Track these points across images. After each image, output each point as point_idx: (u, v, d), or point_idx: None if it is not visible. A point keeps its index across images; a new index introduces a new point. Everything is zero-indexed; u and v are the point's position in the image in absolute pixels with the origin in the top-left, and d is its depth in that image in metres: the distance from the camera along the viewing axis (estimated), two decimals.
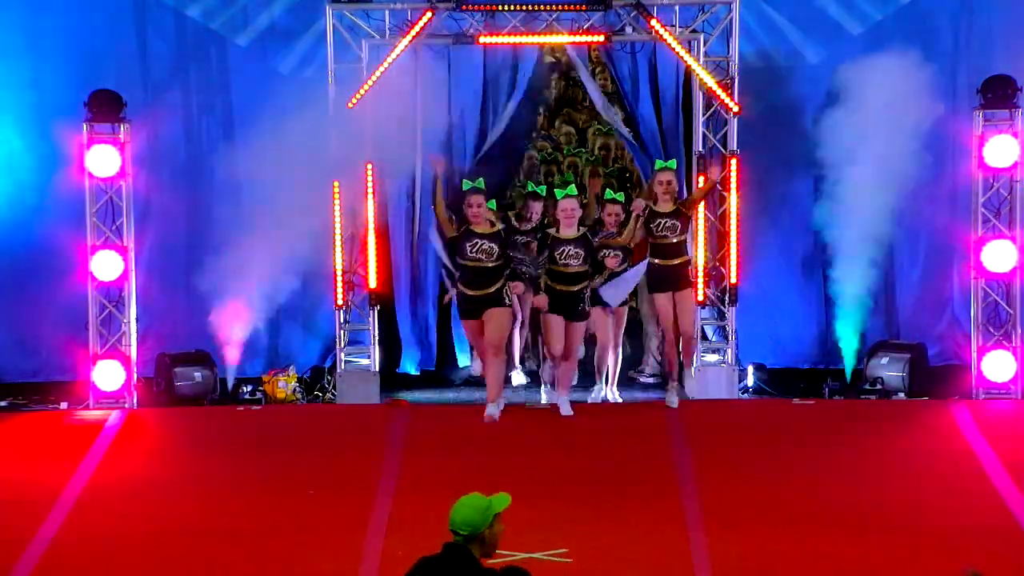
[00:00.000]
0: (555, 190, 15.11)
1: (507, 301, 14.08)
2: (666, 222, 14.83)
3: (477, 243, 13.61)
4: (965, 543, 10.58)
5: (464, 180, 14.87)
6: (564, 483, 12.65)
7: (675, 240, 14.84)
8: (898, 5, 15.54)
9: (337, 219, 15.22)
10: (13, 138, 15.60)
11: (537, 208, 15.28)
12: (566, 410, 14.25)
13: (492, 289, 13.67)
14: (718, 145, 15.32)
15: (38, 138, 15.53)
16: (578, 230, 13.78)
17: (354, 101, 14.82)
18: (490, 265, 13.56)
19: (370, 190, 15.22)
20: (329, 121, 14.90)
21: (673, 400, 14.55)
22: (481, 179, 14.65)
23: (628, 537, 11.54)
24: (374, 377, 15.67)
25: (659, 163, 15.21)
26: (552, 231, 14.61)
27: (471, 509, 7.62)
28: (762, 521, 11.83)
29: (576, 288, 13.81)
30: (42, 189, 15.60)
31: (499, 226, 13.98)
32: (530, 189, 15.63)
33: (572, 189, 14.16)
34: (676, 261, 15.00)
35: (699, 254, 15.57)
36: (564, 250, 13.52)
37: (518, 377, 15.59)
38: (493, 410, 14.19)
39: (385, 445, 13.54)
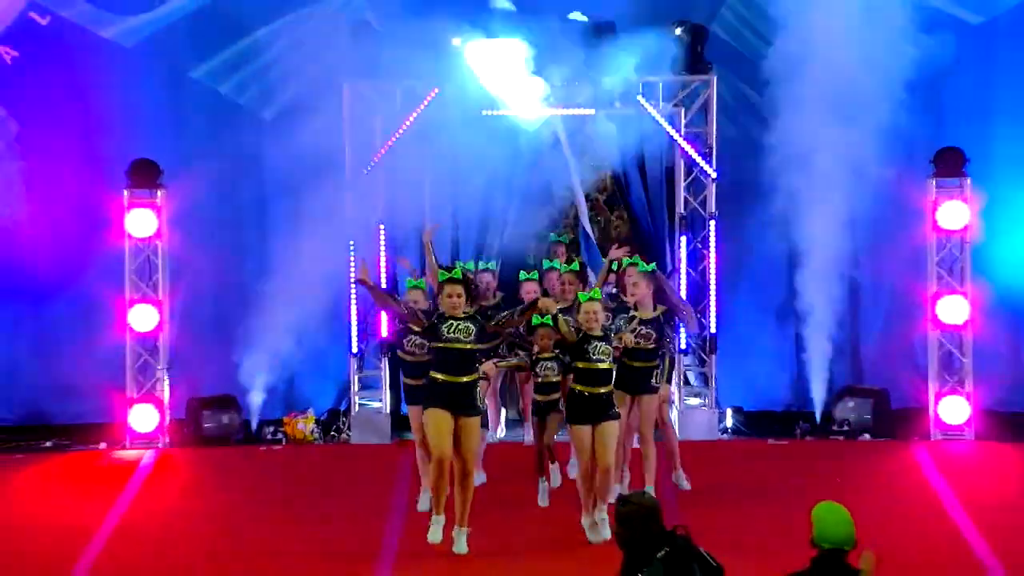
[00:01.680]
0: (578, 295, 13.11)
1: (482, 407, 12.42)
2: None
3: (453, 324, 12.01)
4: (926, 572, 10.49)
5: (443, 271, 12.93)
6: (556, 517, 12.17)
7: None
8: (857, 81, 15.30)
9: (352, 275, 15.06)
10: (62, 202, 15.55)
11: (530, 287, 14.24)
12: (605, 533, 11.77)
13: (466, 378, 11.92)
14: (699, 208, 15.24)
15: (83, 202, 15.50)
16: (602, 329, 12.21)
17: (369, 168, 14.82)
18: (468, 347, 11.91)
19: (382, 249, 15.15)
20: (345, 186, 14.88)
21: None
22: (467, 263, 14.25)
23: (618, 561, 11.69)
24: (386, 419, 15.52)
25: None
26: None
27: (844, 522, 7.54)
28: (739, 550, 11.29)
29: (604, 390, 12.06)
30: (86, 248, 15.58)
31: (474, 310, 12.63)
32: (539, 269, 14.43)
33: (597, 292, 12.50)
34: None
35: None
36: (595, 346, 11.91)
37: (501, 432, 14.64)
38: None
39: (395, 481, 13.37)
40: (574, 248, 16.59)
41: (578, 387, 11.69)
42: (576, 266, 13.66)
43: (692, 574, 7.63)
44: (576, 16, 15.84)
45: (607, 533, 11.52)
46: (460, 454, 11.52)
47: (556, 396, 12.31)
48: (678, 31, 15.40)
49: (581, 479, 11.82)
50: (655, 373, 13.06)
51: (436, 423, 11.63)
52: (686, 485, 13.13)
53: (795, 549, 10.99)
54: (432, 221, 15.28)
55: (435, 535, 11.27)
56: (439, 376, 11.74)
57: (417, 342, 12.50)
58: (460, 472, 11.53)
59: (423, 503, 12.61)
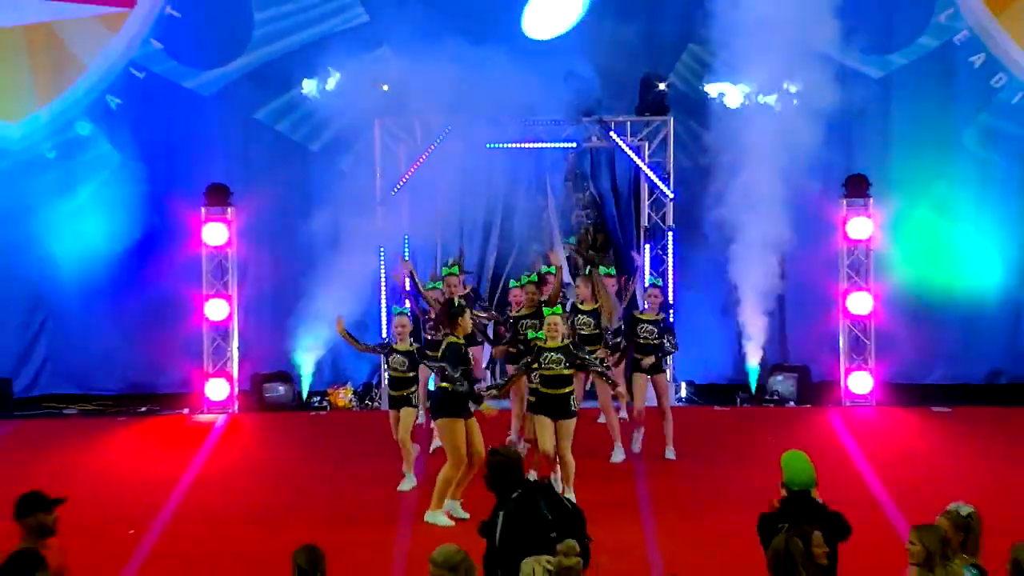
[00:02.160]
0: (543, 309, 13.09)
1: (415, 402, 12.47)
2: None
3: (396, 356, 12.24)
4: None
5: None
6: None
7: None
8: (784, 121, 15.10)
9: (382, 274, 15.28)
10: (153, 217, 15.79)
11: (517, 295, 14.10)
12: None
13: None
14: (659, 222, 15.46)
15: (170, 217, 15.74)
16: (562, 340, 11.95)
17: (396, 189, 14.99)
18: (410, 375, 12.28)
19: (406, 253, 15.14)
20: (376, 203, 15.13)
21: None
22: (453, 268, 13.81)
23: (595, 514, 12.03)
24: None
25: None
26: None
27: (807, 467, 7.97)
28: (695, 500, 12.07)
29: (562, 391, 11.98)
30: (172, 254, 15.76)
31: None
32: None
33: (559, 308, 12.45)
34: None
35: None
36: (547, 356, 11.76)
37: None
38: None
39: (415, 440, 13.28)
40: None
41: (541, 388, 11.67)
42: (535, 277, 13.54)
43: (539, 508, 8.17)
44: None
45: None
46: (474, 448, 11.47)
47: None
48: (643, 81, 15.56)
49: (539, 462, 11.86)
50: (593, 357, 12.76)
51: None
52: (671, 456, 13.08)
53: (736, 501, 11.17)
54: (444, 232, 15.66)
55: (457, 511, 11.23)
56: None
57: (399, 359, 12.28)
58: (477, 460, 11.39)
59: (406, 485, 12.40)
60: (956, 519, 7.77)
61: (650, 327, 13.15)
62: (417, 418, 13.11)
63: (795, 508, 7.93)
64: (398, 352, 12.21)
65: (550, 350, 11.55)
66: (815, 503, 8.03)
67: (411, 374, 12.36)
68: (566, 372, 11.70)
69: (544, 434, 11.68)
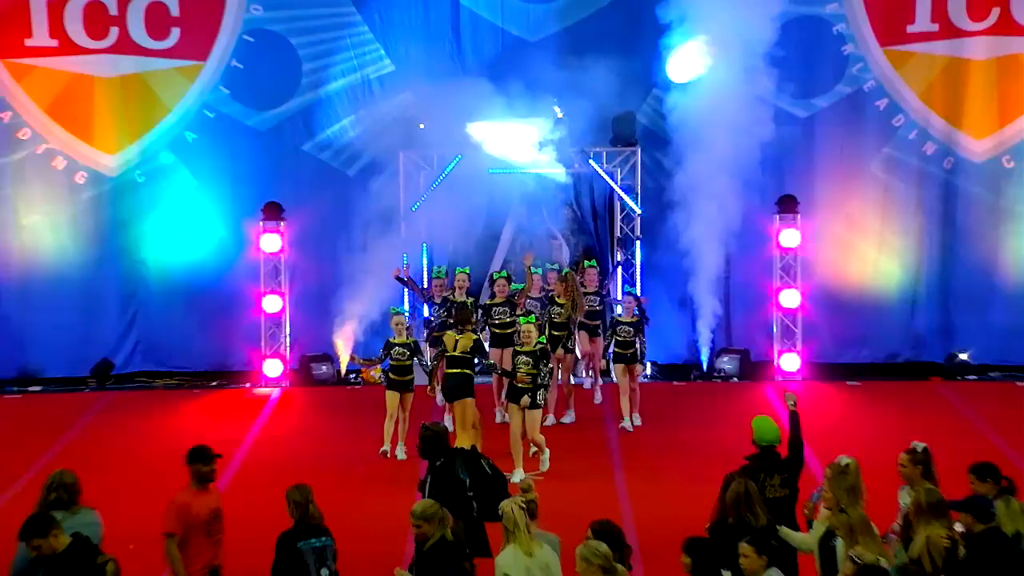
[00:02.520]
0: (520, 319, 13.06)
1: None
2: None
3: (396, 348, 12.23)
4: None
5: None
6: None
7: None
8: (729, 151, 15.06)
9: (404, 276, 15.24)
10: (221, 229, 16.00)
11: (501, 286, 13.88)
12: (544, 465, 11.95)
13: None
14: (629, 233, 15.75)
15: (234, 230, 15.99)
16: (534, 345, 11.90)
17: (416, 207, 15.31)
18: (407, 364, 12.25)
19: (424, 259, 15.56)
20: (400, 218, 15.48)
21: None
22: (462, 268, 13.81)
23: (576, 472, 11.97)
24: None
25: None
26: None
27: (773, 428, 8.37)
28: (660, 457, 12.39)
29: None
30: (237, 258, 16.05)
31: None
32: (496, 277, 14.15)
33: (532, 318, 12.50)
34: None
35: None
36: (519, 358, 11.82)
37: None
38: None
39: (432, 413, 13.35)
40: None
41: (515, 383, 11.79)
42: (504, 273, 13.68)
43: (455, 471, 8.61)
44: (556, 110, 15.58)
45: (545, 465, 11.73)
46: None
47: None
48: (615, 119, 15.79)
49: (512, 439, 11.75)
50: (570, 336, 13.38)
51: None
52: (636, 424, 13.15)
53: (694, 457, 11.89)
54: (456, 240, 15.71)
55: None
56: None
57: (400, 351, 12.27)
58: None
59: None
60: (915, 454, 8.24)
61: (627, 328, 13.37)
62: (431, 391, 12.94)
63: (764, 459, 8.41)
64: (398, 345, 12.30)
65: (524, 353, 11.76)
66: (778, 455, 8.49)
67: (409, 363, 12.39)
68: (533, 372, 11.72)
69: (514, 420, 11.86)
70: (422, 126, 15.57)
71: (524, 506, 7.66)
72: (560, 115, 15.67)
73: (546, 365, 12.11)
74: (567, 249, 15.92)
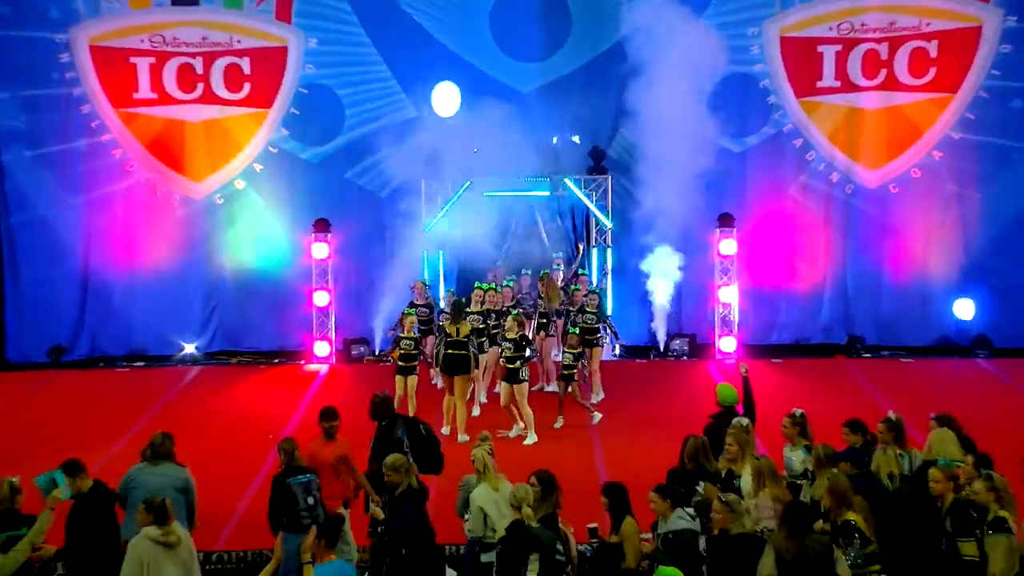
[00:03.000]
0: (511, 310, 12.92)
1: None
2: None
3: (405, 341, 12.07)
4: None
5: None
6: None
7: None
8: (681, 178, 14.93)
9: (425, 274, 15.44)
10: (281, 240, 16.13)
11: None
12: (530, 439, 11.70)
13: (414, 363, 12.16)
14: (602, 243, 15.91)
15: (292, 240, 16.07)
16: (515, 334, 11.78)
17: (434, 221, 15.48)
18: (414, 353, 12.12)
19: (441, 264, 15.91)
20: (422, 230, 15.57)
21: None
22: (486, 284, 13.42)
23: (559, 437, 12.08)
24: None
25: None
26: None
27: (732, 393, 8.74)
28: (628, 419, 12.47)
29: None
30: (293, 262, 16.13)
31: (417, 335, 12.40)
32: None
33: (514, 312, 12.44)
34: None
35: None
36: (505, 344, 11.73)
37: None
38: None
39: (432, 392, 13.23)
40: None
41: (503, 363, 11.86)
42: (492, 285, 13.39)
43: (395, 429, 8.61)
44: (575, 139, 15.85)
45: (531, 439, 11.55)
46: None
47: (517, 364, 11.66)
48: (591, 152, 15.98)
49: (503, 405, 11.74)
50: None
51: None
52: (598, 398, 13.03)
53: (653, 424, 11.90)
54: (466, 248, 15.48)
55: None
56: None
57: (407, 343, 12.13)
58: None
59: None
60: (795, 418, 8.56)
61: (590, 316, 13.26)
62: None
63: (726, 415, 8.75)
64: (405, 339, 12.19)
65: (508, 340, 11.80)
66: (736, 412, 8.92)
67: (415, 352, 12.28)
68: (515, 355, 11.66)
69: (504, 394, 11.83)
70: (476, 150, 15.23)
71: (490, 452, 7.89)
72: (555, 141, 15.59)
73: (531, 347, 12.12)
74: (563, 267, 15.58)
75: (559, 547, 6.85)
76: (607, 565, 7.01)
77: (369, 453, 8.59)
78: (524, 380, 11.80)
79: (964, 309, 16.13)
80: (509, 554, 6.80)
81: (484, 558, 7.58)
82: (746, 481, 7.61)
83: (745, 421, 8.54)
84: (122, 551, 6.98)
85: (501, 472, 7.88)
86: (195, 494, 7.82)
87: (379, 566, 7.46)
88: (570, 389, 12.25)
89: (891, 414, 8.51)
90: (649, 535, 7.27)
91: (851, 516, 6.76)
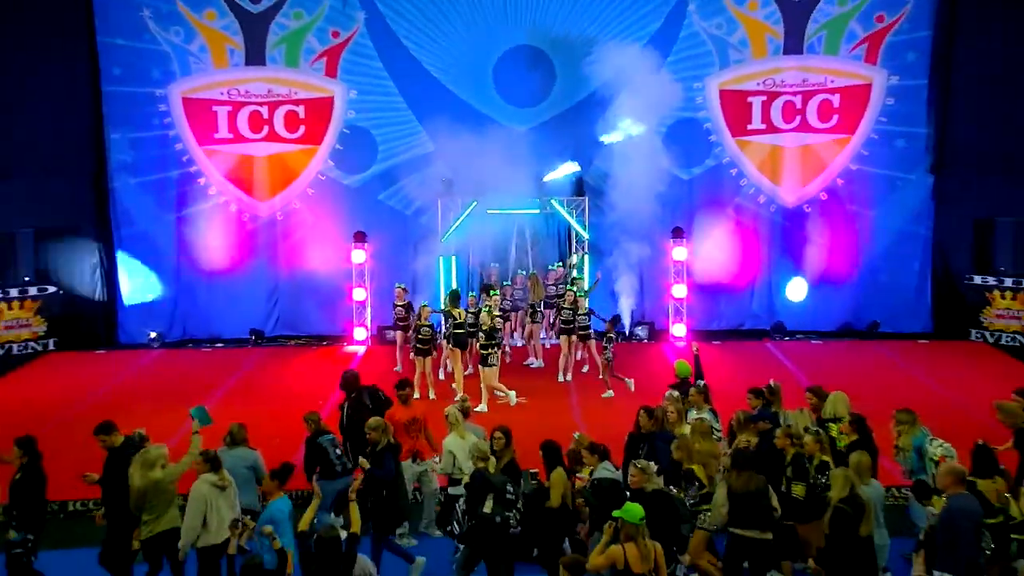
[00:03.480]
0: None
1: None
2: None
3: (423, 329, 11.86)
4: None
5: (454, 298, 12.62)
6: (513, 377, 12.56)
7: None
8: (642, 198, 14.96)
9: (440, 274, 15.33)
10: (328, 247, 16.01)
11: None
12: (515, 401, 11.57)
13: (429, 345, 11.86)
14: (581, 250, 15.60)
15: (337, 248, 15.91)
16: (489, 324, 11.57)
17: (448, 233, 15.28)
18: (429, 337, 11.96)
19: (453, 268, 15.53)
20: (439, 240, 15.40)
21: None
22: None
23: (542, 395, 12.32)
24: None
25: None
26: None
27: (687, 367, 8.71)
28: (601, 388, 12.42)
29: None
30: (338, 266, 15.88)
31: (430, 323, 12.16)
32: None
33: (487, 308, 12.11)
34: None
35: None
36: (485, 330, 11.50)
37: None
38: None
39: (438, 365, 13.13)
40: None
41: (479, 349, 11.75)
42: (496, 292, 13.19)
43: (364, 401, 8.41)
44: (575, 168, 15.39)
45: (513, 402, 11.38)
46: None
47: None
48: (571, 177, 15.71)
49: (483, 384, 11.52)
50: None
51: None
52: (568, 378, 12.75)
53: (619, 393, 11.64)
54: (474, 255, 15.46)
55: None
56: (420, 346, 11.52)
57: (426, 330, 11.95)
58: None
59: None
60: (699, 389, 8.55)
61: (568, 311, 13.07)
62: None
63: (683, 385, 8.88)
64: (423, 326, 12.16)
65: (482, 331, 11.72)
66: (689, 383, 8.97)
67: (430, 337, 12.11)
68: (486, 343, 11.57)
69: (483, 374, 11.61)
70: (444, 179, 14.86)
71: (461, 409, 7.94)
72: (552, 175, 15.21)
73: (497, 338, 11.73)
74: (564, 270, 15.24)
75: (510, 488, 6.87)
76: (538, 502, 7.11)
77: (341, 417, 8.38)
78: (494, 365, 11.58)
79: (796, 290, 16.14)
80: (472, 494, 6.90)
81: (451, 491, 7.69)
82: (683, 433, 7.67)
83: (676, 394, 8.43)
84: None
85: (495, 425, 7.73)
86: (263, 470, 7.64)
87: (365, 504, 7.35)
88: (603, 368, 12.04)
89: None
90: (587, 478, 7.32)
91: (694, 467, 7.09)
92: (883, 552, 7.05)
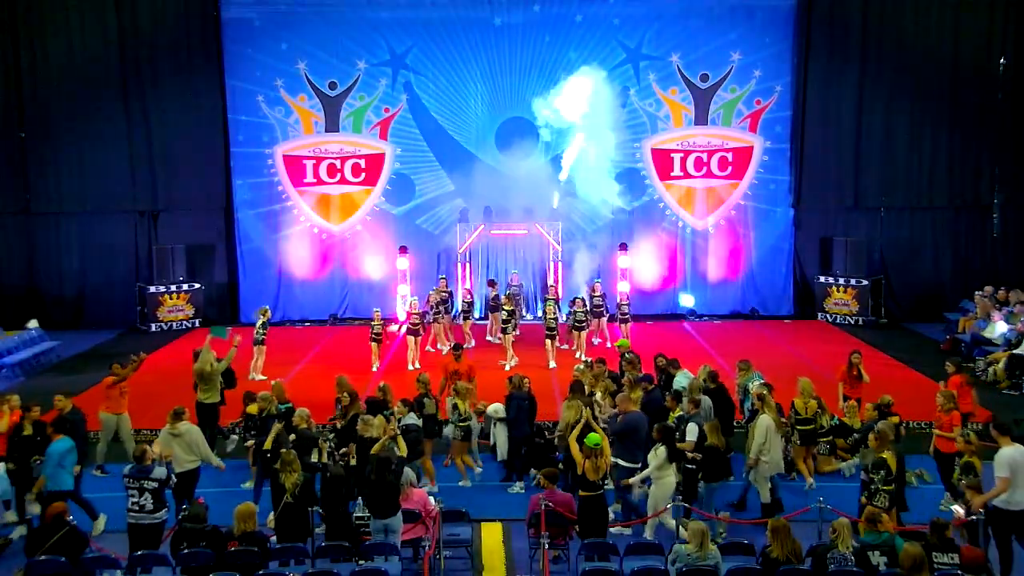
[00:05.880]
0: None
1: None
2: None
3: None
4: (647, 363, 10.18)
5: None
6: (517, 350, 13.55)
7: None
8: (600, 223, 16.25)
9: (458, 271, 16.64)
10: (381, 258, 17.24)
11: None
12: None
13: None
14: (557, 261, 16.77)
15: (387, 258, 17.54)
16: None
17: (466, 245, 16.73)
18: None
19: (467, 265, 16.77)
20: (458, 251, 16.78)
21: None
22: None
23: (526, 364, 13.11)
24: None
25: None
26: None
27: (627, 345, 8.86)
28: (572, 359, 12.97)
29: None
30: (387, 271, 17.70)
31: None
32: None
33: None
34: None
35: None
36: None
37: None
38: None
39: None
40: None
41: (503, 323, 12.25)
42: (509, 293, 13.90)
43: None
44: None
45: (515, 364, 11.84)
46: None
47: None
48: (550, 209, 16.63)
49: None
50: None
51: None
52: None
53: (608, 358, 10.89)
54: (481, 263, 16.75)
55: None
56: None
57: (443, 317, 12.53)
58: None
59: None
60: (660, 360, 9.11)
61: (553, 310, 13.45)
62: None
63: (630, 359, 9.20)
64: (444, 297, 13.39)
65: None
66: (636, 357, 9.36)
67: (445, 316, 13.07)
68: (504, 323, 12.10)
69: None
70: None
71: (425, 381, 7.92)
72: (555, 203, 16.37)
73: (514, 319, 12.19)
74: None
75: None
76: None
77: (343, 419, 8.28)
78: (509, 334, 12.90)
79: (687, 300, 17.45)
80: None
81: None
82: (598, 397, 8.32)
83: (593, 361, 9.18)
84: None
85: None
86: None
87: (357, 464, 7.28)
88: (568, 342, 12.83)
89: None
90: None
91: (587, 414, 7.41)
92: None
